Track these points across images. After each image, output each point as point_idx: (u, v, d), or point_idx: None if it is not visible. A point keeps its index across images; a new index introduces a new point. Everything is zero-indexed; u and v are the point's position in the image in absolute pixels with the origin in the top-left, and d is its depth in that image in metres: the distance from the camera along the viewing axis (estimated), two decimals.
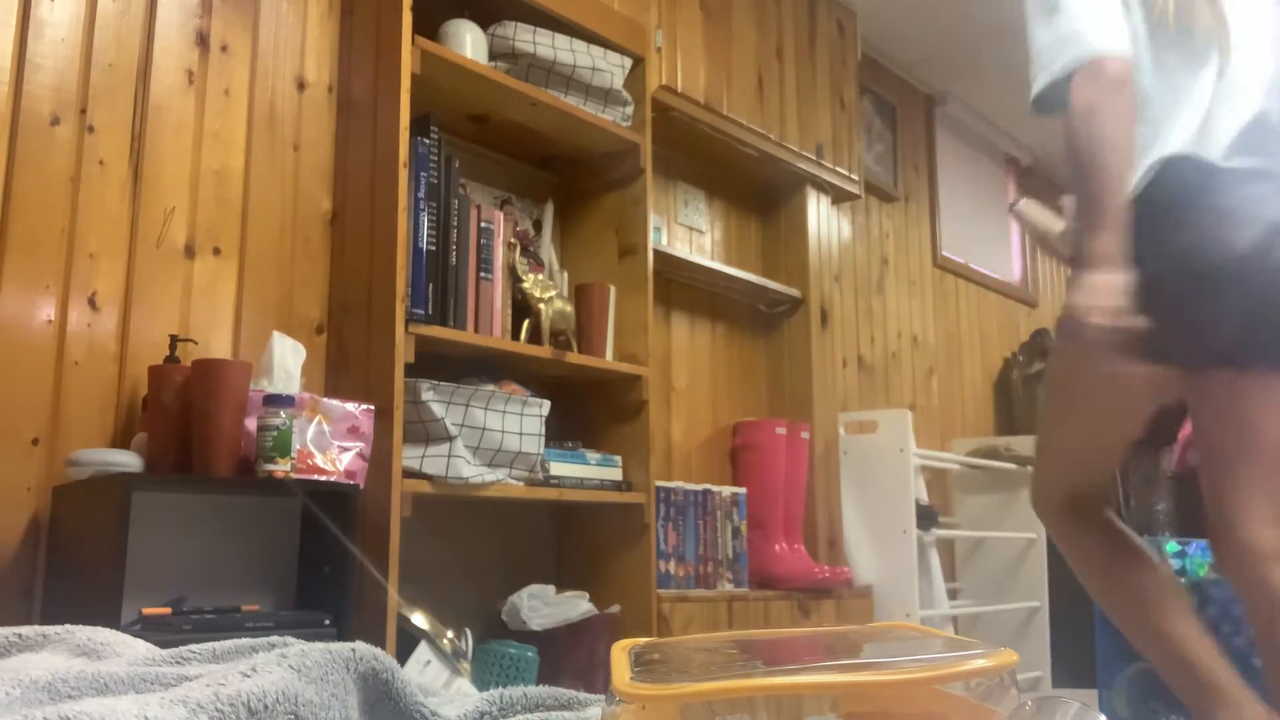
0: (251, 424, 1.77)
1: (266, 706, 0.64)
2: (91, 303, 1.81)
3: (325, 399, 1.87)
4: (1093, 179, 1.47)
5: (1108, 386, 1.60)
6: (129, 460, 1.69)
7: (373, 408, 1.91)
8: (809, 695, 0.60)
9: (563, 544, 2.52)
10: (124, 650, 0.89)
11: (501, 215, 2.27)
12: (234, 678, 0.67)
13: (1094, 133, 1.48)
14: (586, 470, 2.32)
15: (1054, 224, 1.97)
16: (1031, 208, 2.09)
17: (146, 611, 1.60)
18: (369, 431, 1.90)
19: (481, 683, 2.03)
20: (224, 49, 2.06)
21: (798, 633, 0.82)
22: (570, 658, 2.20)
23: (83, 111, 1.84)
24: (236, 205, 2.04)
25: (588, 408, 2.50)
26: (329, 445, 1.84)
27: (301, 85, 2.18)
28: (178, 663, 0.84)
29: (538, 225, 2.56)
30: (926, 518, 3.37)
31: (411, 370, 1.96)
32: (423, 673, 1.89)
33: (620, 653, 0.69)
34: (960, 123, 4.62)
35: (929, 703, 0.62)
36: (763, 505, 2.89)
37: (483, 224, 2.21)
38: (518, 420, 2.12)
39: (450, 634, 1.98)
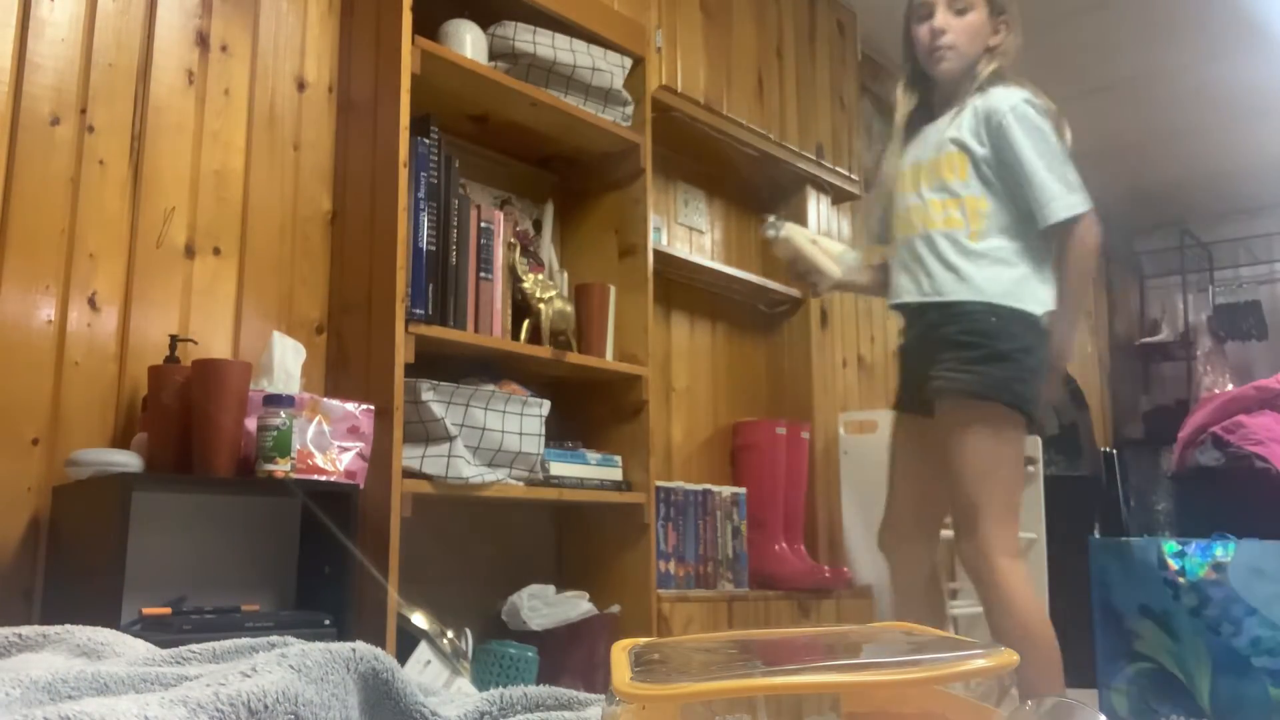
0: (251, 424, 1.77)
1: (266, 706, 0.64)
2: (91, 303, 1.81)
3: (325, 399, 1.87)
4: (1088, 293, 2.10)
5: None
6: (129, 460, 1.68)
7: (373, 408, 1.91)
8: (809, 695, 0.60)
9: (563, 544, 2.52)
10: (124, 650, 0.89)
11: (501, 215, 2.27)
12: (234, 678, 0.67)
13: (1096, 264, 2.13)
14: (586, 470, 2.32)
15: (830, 267, 2.27)
16: (799, 237, 2.29)
17: (146, 611, 1.60)
18: (369, 431, 1.90)
19: (481, 683, 2.03)
20: (224, 49, 2.06)
21: (798, 633, 0.82)
22: (570, 658, 2.20)
23: (83, 111, 1.84)
24: (236, 205, 2.04)
25: (588, 408, 2.50)
26: (329, 445, 1.84)
27: (301, 85, 2.18)
28: (178, 663, 0.84)
29: (538, 225, 2.56)
30: None
31: (411, 370, 1.96)
32: (423, 673, 1.89)
33: (620, 653, 0.69)
34: None
35: (929, 703, 0.62)
36: (763, 505, 2.89)
37: (483, 224, 2.21)
38: (518, 420, 2.12)
39: (450, 634, 1.98)
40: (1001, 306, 2.01)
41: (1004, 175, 2.05)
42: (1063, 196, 2.01)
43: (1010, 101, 2.07)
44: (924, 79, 2.21)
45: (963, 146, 2.08)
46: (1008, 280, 2.03)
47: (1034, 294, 2.04)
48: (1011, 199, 2.06)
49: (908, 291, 2.13)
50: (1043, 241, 2.07)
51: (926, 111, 2.21)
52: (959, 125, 2.09)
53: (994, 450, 2.00)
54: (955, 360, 2.01)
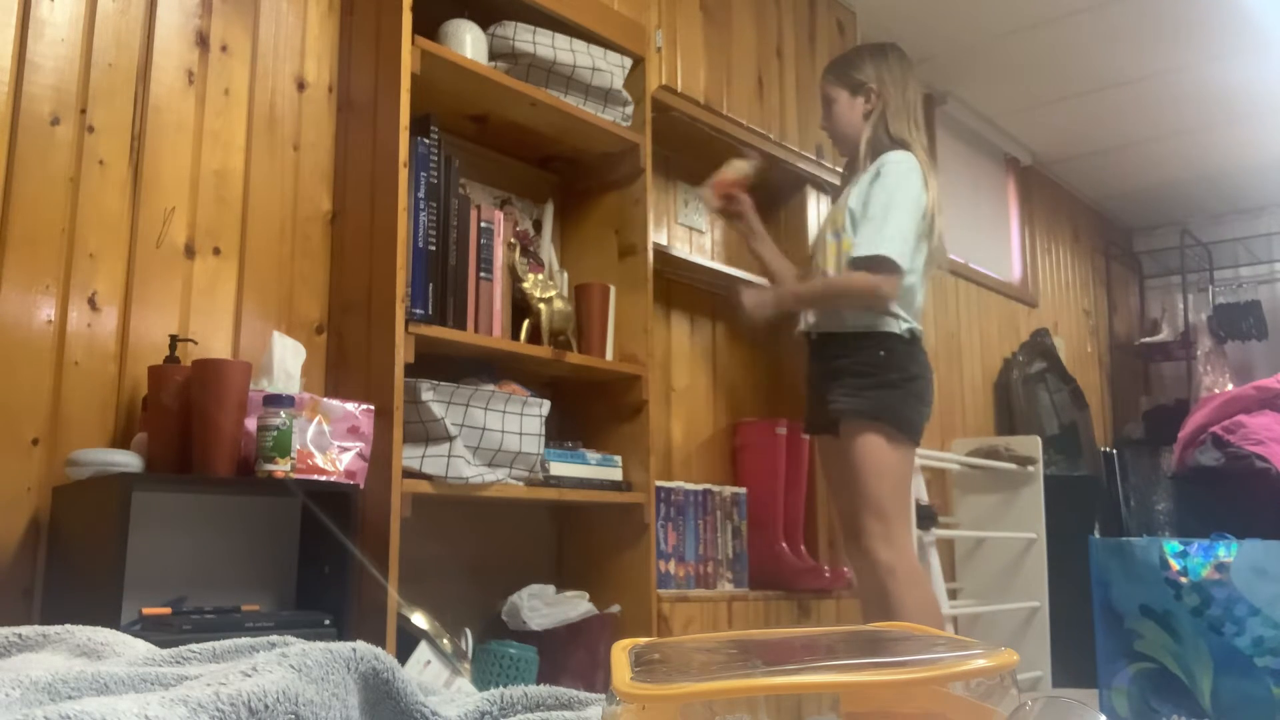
0: (251, 424, 1.77)
1: (267, 706, 0.64)
2: (91, 303, 1.81)
3: (325, 399, 1.87)
4: (831, 293, 2.42)
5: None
6: (129, 460, 1.68)
7: (373, 408, 1.91)
8: (809, 695, 0.60)
9: (563, 544, 2.52)
10: (124, 650, 0.89)
11: (501, 215, 2.27)
12: (234, 677, 0.67)
13: (858, 291, 2.36)
14: (586, 470, 2.31)
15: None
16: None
17: (146, 611, 1.60)
18: (369, 431, 1.90)
19: (481, 683, 2.03)
20: (224, 49, 2.06)
21: (798, 633, 0.82)
22: (570, 658, 2.20)
23: (83, 111, 1.84)
24: (236, 205, 2.04)
25: (588, 408, 2.50)
26: (329, 445, 1.84)
27: (301, 85, 2.18)
28: (178, 663, 0.84)
29: (538, 225, 2.56)
30: (926, 518, 3.37)
31: (411, 370, 1.96)
32: (423, 673, 1.89)
33: (620, 653, 0.69)
34: (960, 123, 4.62)
35: (929, 703, 0.62)
36: (763, 505, 2.89)
37: (483, 224, 2.21)
38: (518, 420, 2.12)
39: (450, 634, 1.98)
40: (879, 334, 2.35)
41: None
42: (877, 240, 2.32)
43: (894, 159, 2.41)
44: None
45: (849, 201, 2.44)
46: (877, 313, 2.38)
47: (894, 318, 2.41)
48: None
49: (812, 322, 2.48)
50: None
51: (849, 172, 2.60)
52: (857, 183, 2.46)
53: (885, 461, 2.32)
54: (852, 386, 2.34)
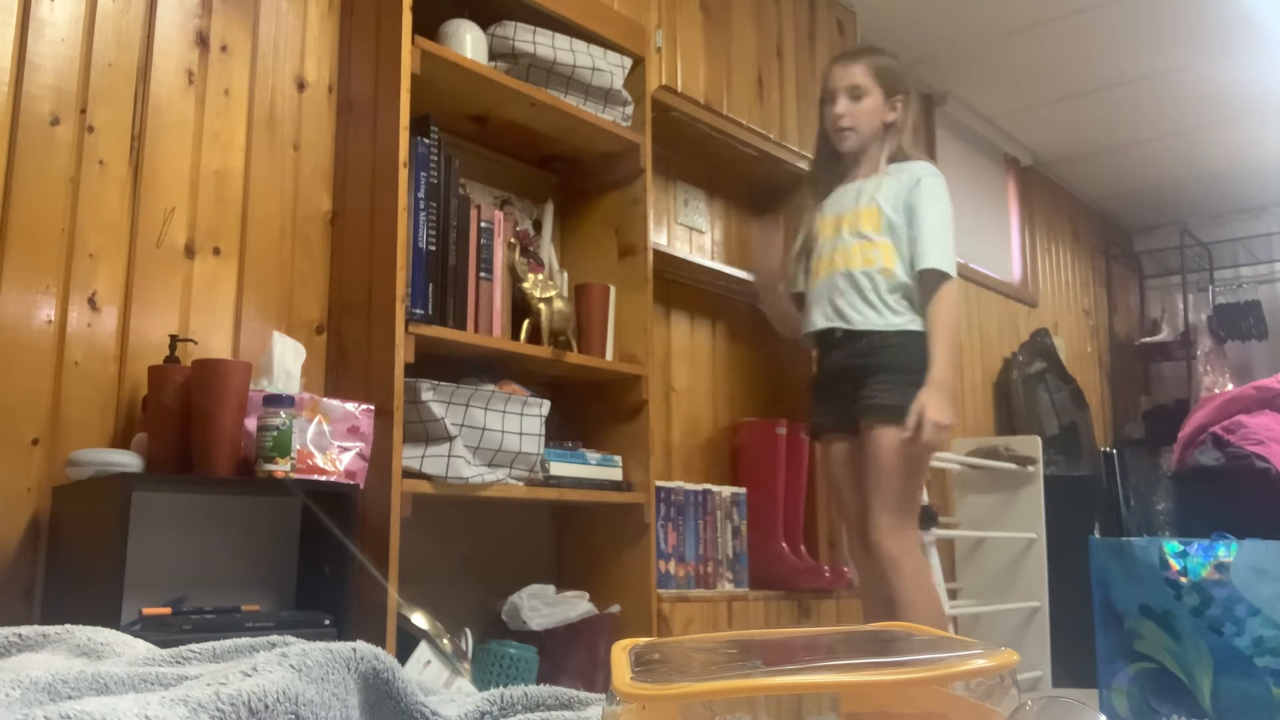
0: (251, 424, 1.77)
1: (267, 706, 0.64)
2: (91, 303, 1.81)
3: (325, 399, 1.87)
4: (953, 341, 2.38)
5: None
6: (129, 460, 1.68)
7: (373, 408, 1.91)
8: (809, 695, 0.60)
9: (563, 544, 2.52)
10: (124, 650, 0.89)
11: (501, 215, 2.27)
12: (235, 677, 0.67)
13: (955, 319, 2.40)
14: (586, 470, 2.31)
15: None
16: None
17: (146, 611, 1.60)
18: (369, 431, 1.90)
19: (481, 683, 2.03)
20: (224, 49, 2.06)
21: (798, 633, 0.82)
22: (570, 658, 2.20)
23: (83, 111, 1.84)
24: (236, 205, 2.04)
25: (588, 408, 2.50)
26: (329, 445, 1.84)
27: (301, 85, 2.18)
28: (178, 663, 0.84)
29: (538, 225, 2.56)
30: (926, 518, 3.37)
31: (411, 370, 1.96)
32: (423, 673, 1.89)
33: (620, 653, 0.69)
34: (960, 123, 4.62)
35: (929, 703, 0.62)
36: (763, 505, 2.88)
37: (483, 224, 2.21)
38: (518, 420, 2.12)
39: (450, 634, 1.98)
40: (914, 333, 2.38)
41: (906, 225, 2.41)
42: (942, 254, 2.39)
43: (929, 171, 2.47)
44: (833, 149, 2.57)
45: (879, 205, 2.42)
46: (912, 314, 2.40)
47: (919, 317, 2.44)
48: (906, 247, 2.42)
49: (835, 319, 2.44)
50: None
51: (837, 175, 2.56)
52: (880, 187, 2.44)
53: (917, 458, 2.35)
54: (888, 382, 2.34)
